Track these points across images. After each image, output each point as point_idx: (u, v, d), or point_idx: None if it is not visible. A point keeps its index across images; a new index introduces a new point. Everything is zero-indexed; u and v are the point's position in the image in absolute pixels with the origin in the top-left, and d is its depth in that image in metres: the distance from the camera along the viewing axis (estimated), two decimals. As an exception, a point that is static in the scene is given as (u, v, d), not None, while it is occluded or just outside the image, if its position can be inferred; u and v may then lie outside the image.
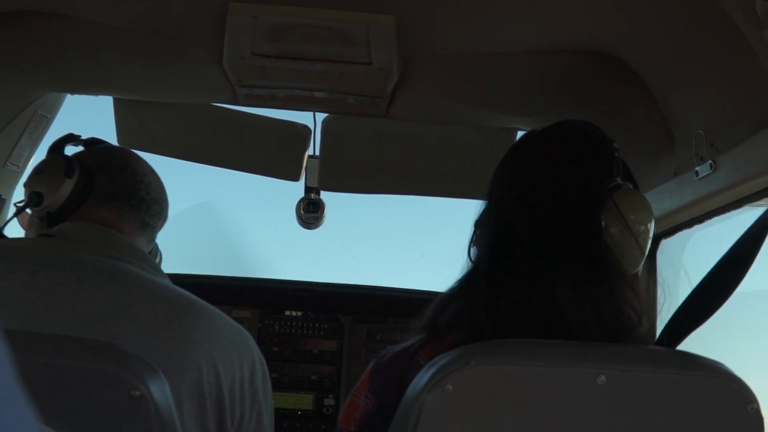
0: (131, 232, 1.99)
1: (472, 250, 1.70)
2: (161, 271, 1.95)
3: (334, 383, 3.59)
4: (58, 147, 2.12)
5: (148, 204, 2.04)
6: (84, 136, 2.16)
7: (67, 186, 1.97)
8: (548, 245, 1.60)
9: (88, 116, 3.47)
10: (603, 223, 1.60)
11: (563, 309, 1.54)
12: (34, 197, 2.00)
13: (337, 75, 2.60)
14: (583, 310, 1.54)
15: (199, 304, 1.84)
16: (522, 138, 1.86)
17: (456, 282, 1.69)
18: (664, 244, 2.72)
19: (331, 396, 3.57)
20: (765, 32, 1.74)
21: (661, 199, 2.44)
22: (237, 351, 1.83)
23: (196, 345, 1.74)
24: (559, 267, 1.57)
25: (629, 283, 1.62)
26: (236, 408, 1.80)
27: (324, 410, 3.55)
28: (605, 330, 1.53)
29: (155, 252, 2.21)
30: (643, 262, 1.66)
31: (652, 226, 1.65)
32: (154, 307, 1.76)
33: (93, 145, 2.15)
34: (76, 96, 3.03)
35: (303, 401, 3.57)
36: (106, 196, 1.99)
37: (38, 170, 2.05)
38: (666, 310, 2.52)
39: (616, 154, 1.68)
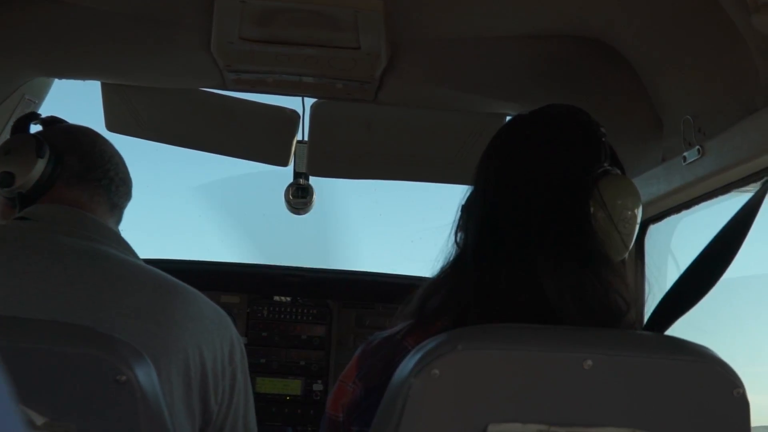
0: (103, 214, 1.98)
1: (458, 234, 1.70)
2: (135, 253, 1.95)
3: (322, 368, 3.59)
4: (22, 126, 2.08)
5: (117, 185, 2.03)
6: (72, 122, 2.14)
7: (39, 166, 1.93)
8: (534, 230, 1.60)
9: (75, 101, 3.46)
10: (590, 209, 1.60)
11: (546, 294, 1.54)
12: (6, 178, 1.94)
13: (326, 60, 2.59)
14: (566, 296, 1.54)
15: (180, 285, 1.84)
16: (509, 122, 1.85)
17: (443, 267, 1.69)
18: (652, 229, 2.73)
19: (319, 381, 3.58)
20: (753, 18, 1.74)
21: (649, 185, 2.44)
22: (217, 330, 1.84)
23: (181, 326, 1.75)
24: (545, 252, 1.57)
25: (616, 269, 1.62)
26: (219, 386, 1.82)
27: (313, 395, 3.56)
28: (591, 316, 1.53)
29: None
30: (630, 249, 1.66)
31: (639, 212, 1.65)
32: (137, 290, 1.76)
33: (52, 124, 2.11)
34: (64, 81, 3.01)
35: (291, 386, 3.57)
36: (76, 176, 1.97)
37: (7, 150, 1.99)
38: (654, 295, 2.53)
39: (603, 139, 1.68)
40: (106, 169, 2.00)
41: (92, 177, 1.98)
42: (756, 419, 1.45)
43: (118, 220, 2.06)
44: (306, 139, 3.21)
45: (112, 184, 2.00)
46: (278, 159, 3.32)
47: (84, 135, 2.05)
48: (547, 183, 1.63)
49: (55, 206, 1.91)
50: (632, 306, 1.62)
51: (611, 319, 1.55)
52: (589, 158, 1.65)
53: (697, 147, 2.17)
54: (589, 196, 1.60)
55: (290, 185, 3.37)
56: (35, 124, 2.11)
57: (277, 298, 3.63)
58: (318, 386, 3.57)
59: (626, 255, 1.67)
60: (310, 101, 3.09)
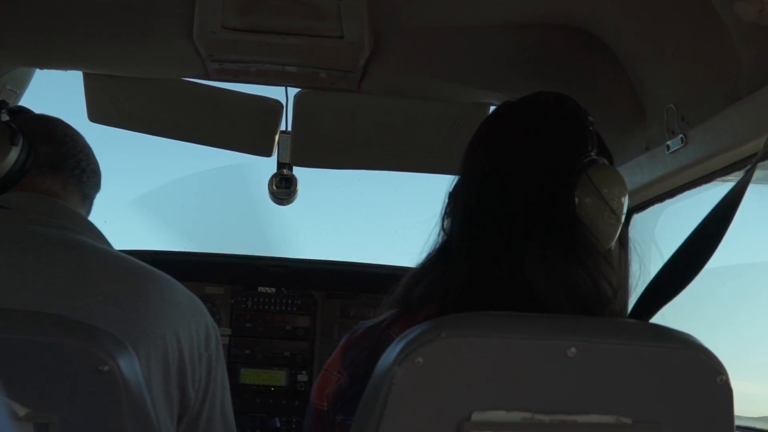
0: (75, 204, 1.98)
1: (445, 221, 1.69)
2: (108, 242, 1.94)
3: (307, 359, 3.59)
4: None
5: (89, 175, 2.03)
6: (54, 113, 2.13)
7: (13, 154, 1.91)
8: (520, 218, 1.59)
9: (57, 92, 3.44)
10: (576, 198, 1.60)
11: (532, 282, 1.54)
12: None
13: (309, 49, 2.58)
14: (553, 284, 1.54)
15: (155, 272, 1.84)
16: (496, 109, 1.84)
17: (428, 256, 1.69)
18: (636, 218, 2.73)
19: (304, 372, 3.58)
20: (735, 5, 1.74)
21: (633, 174, 2.45)
22: (193, 317, 1.84)
23: (158, 312, 1.75)
24: (531, 240, 1.57)
25: (603, 257, 1.62)
26: (196, 372, 1.82)
27: (297, 386, 3.56)
28: (578, 304, 1.53)
29: None
30: (616, 238, 1.66)
31: (626, 201, 1.65)
32: (113, 277, 1.75)
33: (20, 114, 2.10)
34: (46, 71, 3.00)
35: (276, 377, 3.57)
36: (49, 166, 1.96)
37: None
38: (639, 284, 2.54)
39: (591, 128, 1.67)
40: (78, 159, 2.00)
41: (65, 167, 1.97)
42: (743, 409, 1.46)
43: (89, 211, 2.06)
44: (289, 129, 3.20)
45: (83, 174, 2.00)
46: (262, 149, 3.31)
47: (55, 125, 2.05)
48: (534, 171, 1.63)
49: (29, 194, 1.90)
50: (618, 292, 1.62)
51: (598, 307, 1.55)
52: (576, 147, 1.64)
53: (681, 135, 2.18)
54: (576, 185, 1.60)
55: (274, 176, 3.37)
56: (2, 113, 2.09)
57: (261, 289, 3.63)
58: (303, 377, 3.58)
59: (613, 243, 1.67)
60: (293, 91, 3.08)
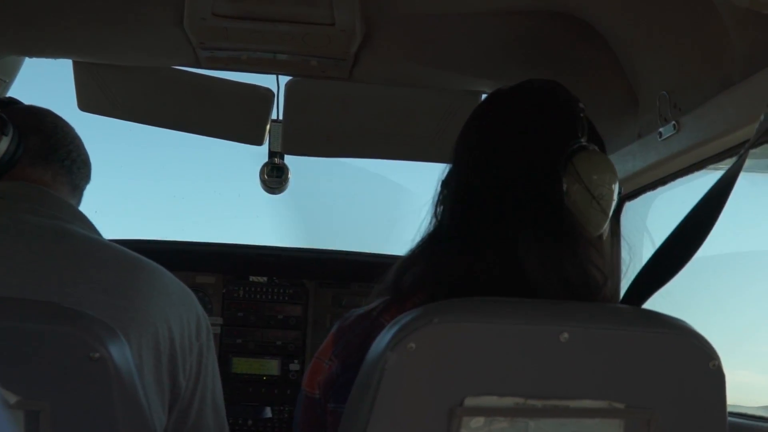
0: (65, 195, 1.97)
1: (437, 209, 1.69)
2: (99, 232, 1.94)
3: (299, 348, 3.59)
4: None
5: (79, 166, 2.02)
6: (43, 101, 2.13)
7: (3, 144, 1.91)
8: (510, 206, 1.59)
9: (47, 80, 3.43)
10: (564, 185, 1.59)
11: (525, 270, 1.54)
12: None
13: (300, 37, 2.58)
14: (546, 271, 1.53)
15: (146, 261, 1.84)
16: (487, 97, 1.84)
17: (418, 242, 1.68)
18: (628, 206, 2.73)
19: (296, 361, 3.58)
20: (728, -9, 1.74)
21: (625, 161, 2.45)
22: (183, 306, 1.84)
23: (149, 301, 1.75)
24: (521, 228, 1.56)
25: (593, 244, 1.62)
26: (186, 361, 1.82)
27: (289, 375, 3.56)
28: (568, 290, 1.53)
29: None
30: (607, 224, 1.66)
31: (615, 189, 1.65)
32: (104, 265, 1.75)
33: (9, 105, 2.10)
34: (36, 60, 2.98)
35: (268, 367, 3.57)
36: (39, 156, 1.95)
37: None
38: (631, 272, 2.53)
39: (582, 114, 1.67)
40: (69, 150, 2.00)
41: (55, 157, 1.97)
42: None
43: (79, 201, 2.06)
44: (281, 117, 3.19)
45: (74, 165, 2.00)
46: (253, 138, 3.30)
47: (46, 116, 2.04)
48: (523, 158, 1.62)
49: (19, 183, 1.90)
50: (609, 280, 1.62)
51: (588, 293, 1.54)
52: (565, 133, 1.64)
53: (673, 122, 2.18)
54: (564, 171, 1.60)
55: (265, 164, 3.36)
56: None
57: (252, 278, 3.62)
58: (295, 366, 3.57)
59: (604, 230, 1.67)
60: (284, 80, 3.07)
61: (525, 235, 1.56)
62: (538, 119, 1.68)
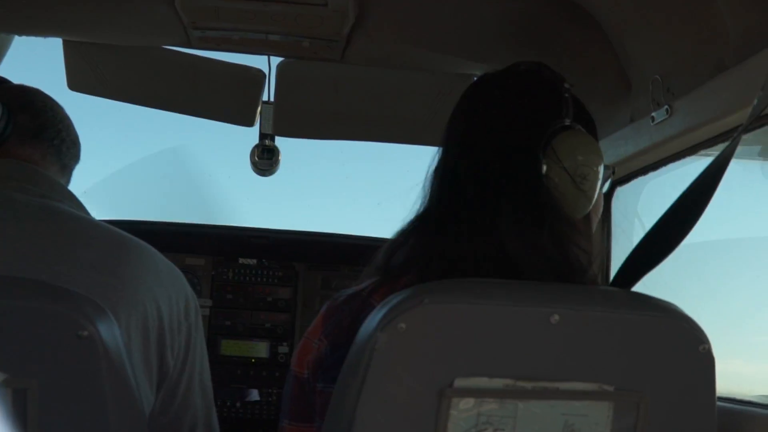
0: (55, 174, 1.96)
1: (427, 191, 1.69)
2: (87, 211, 1.93)
3: (288, 331, 3.58)
4: None
5: (68, 146, 2.01)
6: (32, 81, 2.12)
7: None
8: (492, 188, 1.59)
9: (37, 59, 3.41)
10: (544, 167, 1.59)
11: (508, 251, 1.54)
12: None
13: (292, 17, 2.56)
14: (528, 252, 1.53)
15: (135, 240, 1.83)
16: (474, 81, 1.84)
17: (408, 223, 1.68)
18: (619, 191, 2.73)
19: (285, 344, 3.57)
20: (722, -26, 1.73)
21: (617, 146, 2.44)
22: (173, 286, 1.84)
23: (138, 279, 1.74)
24: (503, 210, 1.56)
25: (576, 226, 1.61)
26: (175, 341, 1.82)
27: (278, 358, 3.55)
28: (553, 272, 1.53)
29: None
30: (590, 206, 1.64)
31: (600, 169, 1.63)
32: (93, 244, 1.75)
33: None
34: (25, 38, 2.96)
35: (257, 349, 3.56)
36: (29, 135, 1.94)
37: None
38: (621, 255, 2.53)
39: (567, 95, 1.66)
40: (58, 130, 1.99)
41: (45, 136, 1.96)
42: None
43: (68, 181, 2.05)
44: (272, 99, 3.18)
45: (63, 145, 1.99)
46: (244, 119, 3.29)
47: (35, 95, 2.03)
48: (504, 140, 1.62)
49: (8, 161, 1.89)
50: (594, 262, 1.62)
51: (572, 274, 1.54)
52: (548, 114, 1.63)
53: (666, 107, 2.17)
54: (544, 152, 1.59)
55: (256, 146, 3.35)
56: None
57: (242, 260, 3.61)
58: (283, 348, 3.57)
59: (588, 211, 1.66)
60: (276, 61, 3.06)
61: (506, 217, 1.55)
62: (521, 101, 1.67)
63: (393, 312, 1.32)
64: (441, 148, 1.71)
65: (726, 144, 1.60)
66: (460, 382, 1.33)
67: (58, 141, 1.98)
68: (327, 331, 1.63)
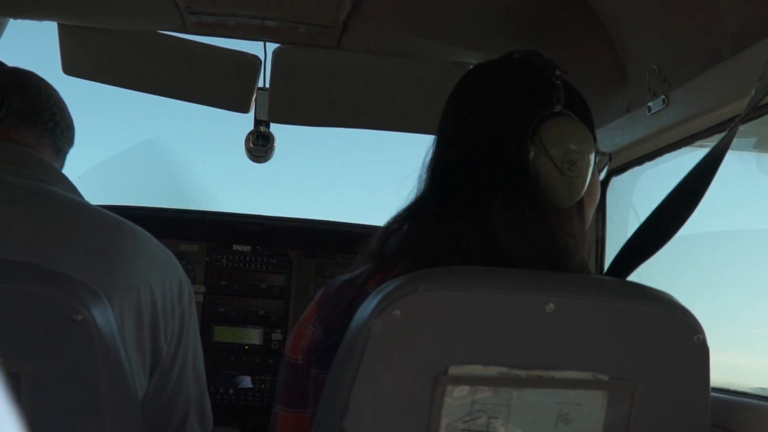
0: (48, 157, 1.96)
1: (422, 179, 1.69)
2: (81, 195, 1.93)
3: (281, 318, 3.58)
4: None
5: (62, 129, 2.00)
6: (27, 65, 2.11)
7: None
8: (481, 176, 1.58)
9: (32, 43, 3.40)
10: (531, 154, 1.58)
11: (497, 239, 1.53)
12: None
13: (289, 3, 2.56)
14: (516, 240, 1.53)
15: (129, 224, 1.83)
16: (469, 70, 1.84)
17: (402, 210, 1.68)
18: (615, 181, 2.73)
19: (278, 331, 3.57)
20: (721, -36, 1.73)
21: (613, 135, 2.44)
22: (166, 270, 1.84)
23: (132, 263, 1.74)
24: (492, 198, 1.56)
25: (565, 214, 1.60)
26: (168, 325, 1.82)
27: (272, 345, 3.55)
28: (543, 259, 1.52)
29: None
30: (581, 193, 1.62)
31: (588, 157, 1.60)
32: (86, 228, 1.74)
33: None
34: (20, 21, 2.95)
35: (251, 336, 3.56)
36: (22, 117, 1.94)
37: None
38: (614, 245, 2.53)
39: (558, 81, 1.65)
40: (53, 113, 1.98)
41: (38, 120, 1.95)
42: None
43: (62, 165, 2.04)
44: (267, 85, 3.18)
45: (57, 128, 1.98)
46: (239, 105, 3.29)
47: (29, 78, 2.02)
48: (493, 128, 1.61)
49: (2, 144, 1.88)
50: (583, 248, 1.61)
51: (560, 262, 1.54)
52: (538, 102, 1.62)
53: (662, 97, 2.17)
54: (531, 139, 1.58)
55: (251, 133, 3.34)
56: None
57: (236, 247, 3.61)
58: (277, 335, 3.57)
59: (581, 198, 1.64)
60: (272, 47, 3.05)
61: (495, 205, 1.55)
62: (510, 89, 1.67)
63: (388, 299, 1.32)
64: (436, 137, 1.71)
65: (722, 135, 1.60)
66: (454, 370, 1.33)
67: (52, 124, 1.97)
68: (321, 317, 1.63)
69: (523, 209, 1.55)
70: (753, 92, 1.58)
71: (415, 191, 1.69)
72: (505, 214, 1.54)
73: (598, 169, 1.73)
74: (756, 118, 1.90)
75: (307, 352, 1.61)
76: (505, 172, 1.58)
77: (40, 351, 1.43)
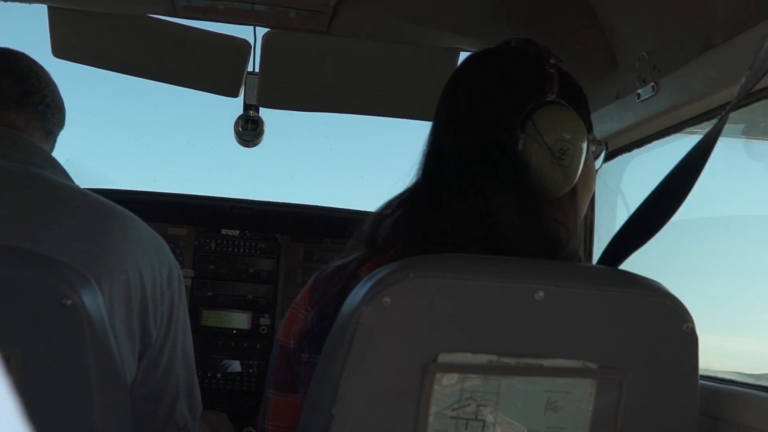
0: (38, 140, 1.94)
1: (418, 166, 1.69)
2: (71, 178, 1.91)
3: (270, 302, 3.59)
4: None
5: (53, 111, 1.99)
6: (17, 46, 2.09)
7: None
8: (473, 165, 1.58)
9: (21, 25, 3.38)
10: (522, 142, 1.58)
11: (487, 226, 1.54)
12: None
13: (279, -13, 2.55)
14: (508, 228, 1.53)
15: (118, 208, 1.82)
16: (465, 58, 1.84)
17: (396, 196, 1.68)
18: (604, 167, 2.73)
19: (266, 315, 3.58)
20: (711, -49, 1.72)
21: (602, 122, 2.44)
22: (156, 255, 1.84)
23: (121, 248, 1.74)
24: (484, 186, 1.56)
25: (556, 201, 1.61)
26: (158, 310, 1.81)
27: (260, 329, 3.56)
28: (533, 246, 1.53)
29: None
30: (573, 181, 1.62)
31: (580, 145, 1.61)
32: (75, 212, 1.73)
33: None
34: (9, 3, 2.94)
35: (239, 320, 3.57)
36: (12, 99, 1.92)
37: None
38: (602, 233, 2.54)
39: (552, 70, 1.65)
40: (43, 95, 1.96)
41: (28, 102, 1.93)
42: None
43: (52, 147, 2.03)
44: (257, 70, 3.17)
45: (48, 111, 1.97)
46: (228, 89, 3.28)
47: (20, 59, 2.00)
48: (486, 117, 1.61)
49: None
50: (574, 239, 1.62)
51: (551, 249, 1.54)
52: (530, 90, 1.62)
53: (652, 84, 2.17)
54: (523, 128, 1.58)
55: (240, 117, 3.33)
56: None
57: (225, 231, 3.61)
58: (265, 320, 3.57)
59: (573, 186, 1.64)
60: (261, 32, 3.04)
61: (486, 193, 1.55)
62: (504, 77, 1.67)
63: (378, 286, 1.32)
64: (432, 124, 1.71)
65: (712, 122, 1.59)
66: (443, 358, 1.34)
67: (42, 107, 1.95)
68: (314, 301, 1.63)
69: (514, 197, 1.55)
70: (743, 80, 1.58)
71: (413, 176, 1.69)
72: (495, 202, 1.55)
73: (593, 157, 1.73)
74: (746, 105, 1.90)
75: (299, 337, 1.62)
76: (496, 160, 1.58)
77: (29, 335, 1.43)
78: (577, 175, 1.62)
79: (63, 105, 2.04)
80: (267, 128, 3.35)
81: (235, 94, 3.28)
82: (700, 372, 1.46)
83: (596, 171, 1.81)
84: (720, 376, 1.96)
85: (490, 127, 1.60)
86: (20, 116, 1.91)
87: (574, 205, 1.67)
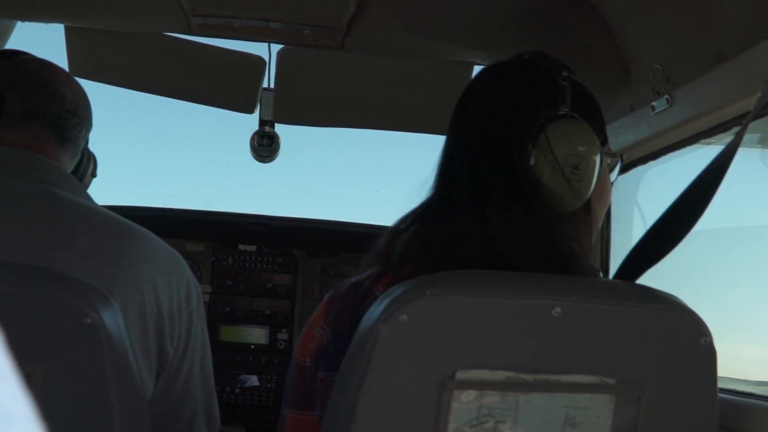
0: (52, 152, 1.90)
1: (433, 181, 1.69)
2: (89, 196, 1.91)
3: (287, 317, 3.60)
4: None
5: (64, 118, 1.93)
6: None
7: None
8: (484, 180, 1.58)
9: (39, 45, 3.40)
10: (533, 158, 1.57)
11: (498, 243, 1.53)
12: None
13: (293, 4, 2.56)
14: (518, 244, 1.53)
15: (135, 227, 1.82)
16: (478, 72, 1.84)
17: (410, 212, 1.68)
18: (619, 180, 2.72)
19: (284, 330, 3.59)
20: (724, -36, 1.73)
21: (617, 135, 2.44)
22: (173, 273, 1.83)
23: (137, 267, 1.74)
24: (495, 202, 1.56)
25: (568, 218, 1.59)
26: (175, 329, 1.81)
27: (277, 344, 3.56)
28: (545, 262, 1.52)
29: (89, 158, 2.12)
30: (585, 196, 1.59)
31: (595, 159, 1.58)
32: (91, 231, 1.74)
33: (7, 59, 2.00)
34: (27, 24, 2.96)
35: (256, 335, 3.57)
36: (18, 116, 1.89)
37: None
38: (620, 246, 2.53)
39: (565, 83, 1.64)
40: (51, 105, 1.91)
41: (35, 115, 1.90)
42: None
43: (74, 154, 1.99)
44: (272, 86, 3.18)
45: (58, 120, 1.92)
46: (244, 106, 3.29)
47: (29, 71, 1.96)
48: (497, 131, 1.61)
49: (5, 148, 1.85)
50: (589, 254, 1.61)
51: (564, 266, 1.53)
52: (542, 104, 1.61)
53: (666, 96, 2.17)
54: (535, 142, 1.57)
55: (256, 133, 3.35)
56: None
57: (242, 246, 3.62)
58: (283, 335, 3.58)
59: (586, 201, 1.62)
60: (276, 48, 3.06)
61: (497, 209, 1.55)
62: (516, 91, 1.66)
63: (395, 304, 1.32)
64: (445, 139, 1.72)
65: (727, 133, 1.59)
66: (461, 375, 1.34)
67: (51, 117, 1.90)
68: (329, 319, 1.63)
69: (524, 213, 1.55)
70: (760, 93, 1.57)
71: (428, 191, 1.70)
72: (506, 218, 1.54)
73: (609, 170, 1.72)
74: (762, 116, 1.90)
75: (315, 355, 1.62)
76: (507, 175, 1.57)
77: (50, 354, 1.43)
78: (590, 190, 1.60)
79: (78, 106, 1.99)
80: (282, 143, 3.37)
81: (250, 111, 3.30)
82: (720, 385, 1.46)
83: (612, 183, 1.81)
84: (745, 389, 1.95)
85: (501, 141, 1.60)
86: (27, 133, 1.88)
87: (589, 219, 1.66)
